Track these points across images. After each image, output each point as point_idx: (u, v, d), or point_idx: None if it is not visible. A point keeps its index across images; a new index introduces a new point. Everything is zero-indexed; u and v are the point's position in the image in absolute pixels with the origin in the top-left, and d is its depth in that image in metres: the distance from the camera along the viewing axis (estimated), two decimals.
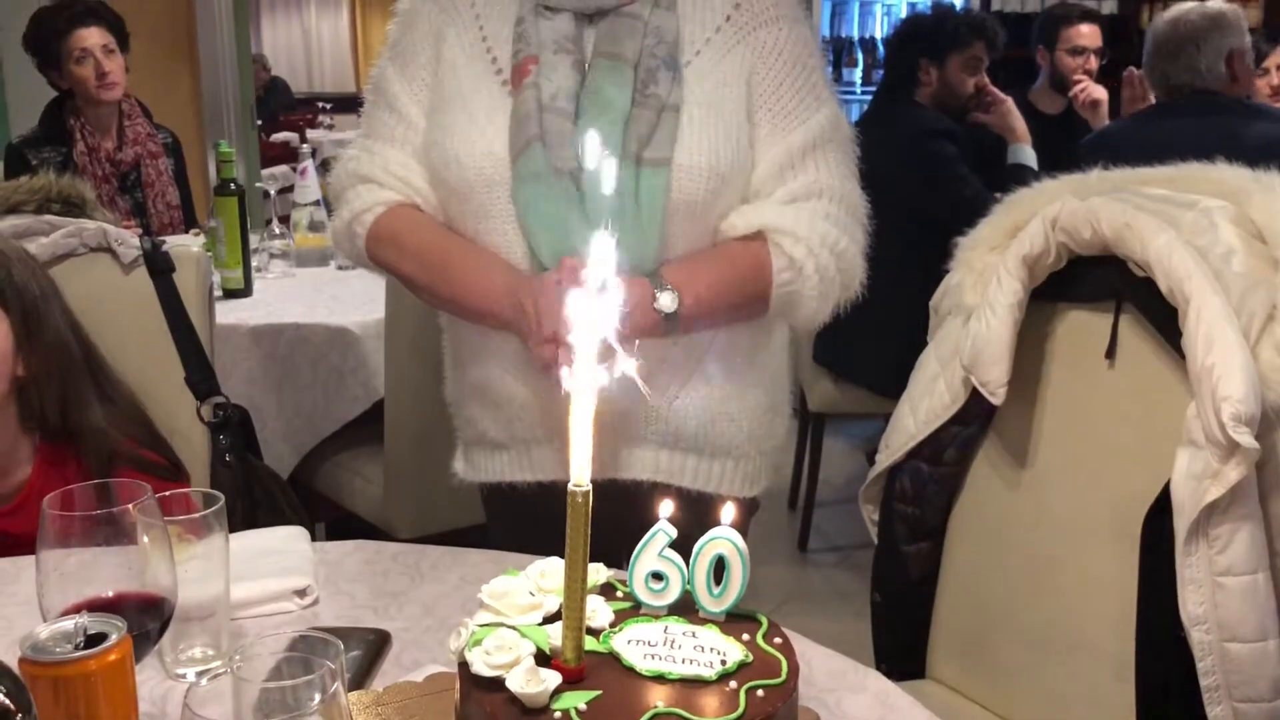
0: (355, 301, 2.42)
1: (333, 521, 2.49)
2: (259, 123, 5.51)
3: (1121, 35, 5.03)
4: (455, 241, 1.38)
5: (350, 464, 2.41)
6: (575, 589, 0.77)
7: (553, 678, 0.76)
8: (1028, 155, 3.12)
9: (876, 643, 1.53)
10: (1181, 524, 1.13)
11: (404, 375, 2.16)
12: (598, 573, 0.90)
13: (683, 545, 0.86)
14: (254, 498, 1.66)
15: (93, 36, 2.96)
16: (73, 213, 1.70)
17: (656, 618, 0.86)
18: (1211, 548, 1.13)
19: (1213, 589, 1.13)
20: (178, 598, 0.90)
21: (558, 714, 0.74)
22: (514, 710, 0.75)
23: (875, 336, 2.57)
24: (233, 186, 2.49)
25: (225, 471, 1.64)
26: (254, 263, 2.61)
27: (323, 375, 2.31)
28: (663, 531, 0.85)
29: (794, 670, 0.81)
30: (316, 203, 2.85)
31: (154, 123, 3.19)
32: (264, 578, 1.13)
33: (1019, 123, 3.15)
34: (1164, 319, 1.20)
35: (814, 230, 1.33)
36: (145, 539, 0.88)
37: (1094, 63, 3.55)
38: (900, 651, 1.51)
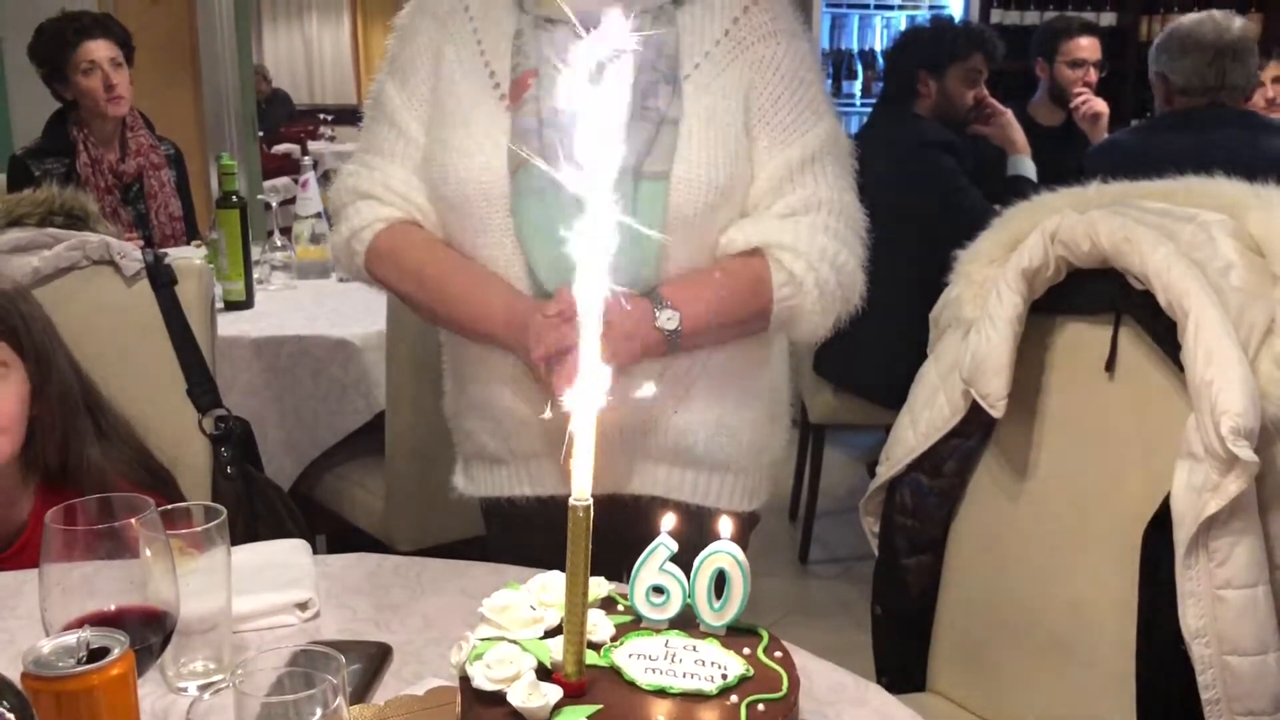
0: (356, 313, 2.42)
1: (333, 533, 2.50)
2: (260, 134, 5.53)
3: (1119, 48, 5.05)
4: (454, 259, 1.38)
5: (351, 476, 2.41)
6: (576, 603, 0.77)
7: (554, 692, 0.76)
8: (1027, 167, 3.13)
9: (877, 655, 1.54)
10: (1181, 537, 1.13)
11: (405, 387, 2.17)
12: (598, 586, 0.90)
13: (683, 559, 0.87)
14: (255, 510, 1.66)
15: (101, 49, 2.97)
16: (76, 225, 1.71)
17: (657, 631, 0.86)
18: (1211, 561, 1.13)
19: (1213, 602, 1.13)
20: (180, 611, 0.90)
21: None
22: None
23: (875, 348, 2.57)
24: (234, 199, 2.49)
25: (226, 484, 1.64)
26: (255, 274, 2.62)
27: (324, 387, 2.31)
28: (664, 545, 0.85)
29: (794, 684, 0.81)
30: (318, 215, 2.86)
31: (156, 134, 3.20)
32: (265, 591, 1.13)
33: (1018, 134, 3.16)
34: (1163, 332, 1.20)
35: (813, 244, 1.33)
36: (147, 552, 0.88)
37: (1093, 75, 3.56)
38: (901, 664, 1.51)
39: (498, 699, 0.76)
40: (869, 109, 4.52)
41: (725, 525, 0.86)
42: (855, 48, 5.03)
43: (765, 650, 0.85)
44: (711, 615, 0.86)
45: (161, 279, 1.65)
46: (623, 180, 1.29)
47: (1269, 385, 1.11)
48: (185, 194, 3.21)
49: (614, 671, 0.81)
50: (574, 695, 0.77)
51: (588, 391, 0.75)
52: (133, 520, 0.87)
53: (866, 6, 4.92)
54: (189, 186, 3.26)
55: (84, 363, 1.47)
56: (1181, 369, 1.15)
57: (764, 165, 1.36)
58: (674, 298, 1.30)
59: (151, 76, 3.45)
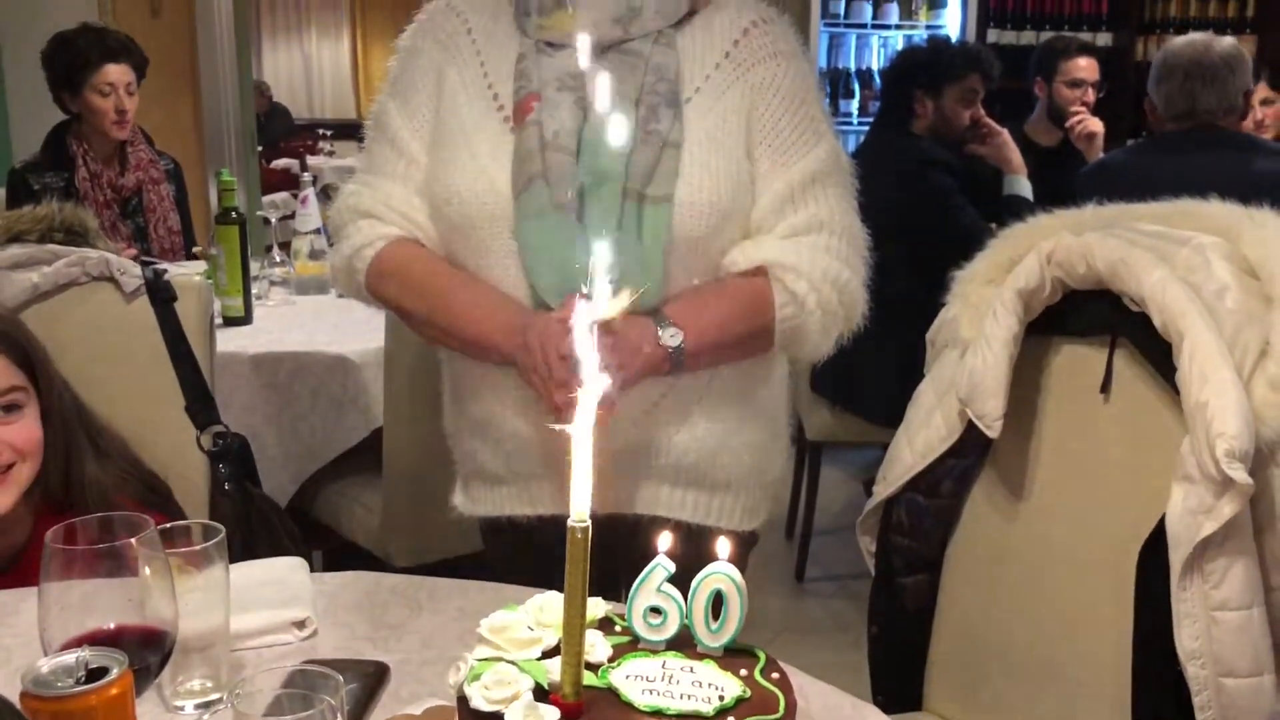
0: (355, 330, 2.42)
1: (330, 549, 2.49)
2: (259, 148, 5.54)
3: (1116, 68, 5.08)
4: (456, 276, 1.39)
5: (348, 492, 2.41)
6: (574, 624, 0.77)
7: (551, 713, 0.76)
8: (1023, 186, 3.14)
9: (873, 674, 1.53)
10: (1176, 558, 1.14)
11: (403, 404, 2.17)
12: (596, 607, 0.90)
13: (682, 579, 0.87)
14: (252, 527, 1.66)
15: (120, 74, 2.99)
16: (75, 241, 1.71)
17: (655, 652, 0.86)
18: (1206, 582, 1.13)
19: (1208, 623, 1.13)
20: (178, 630, 0.90)
21: None
22: None
23: (873, 366, 2.58)
24: (234, 215, 2.50)
25: (224, 500, 1.65)
26: (254, 290, 2.62)
27: (322, 403, 2.31)
28: (661, 566, 0.85)
29: (791, 706, 0.81)
30: (317, 231, 2.86)
31: (155, 149, 3.21)
32: (263, 609, 1.13)
33: (1015, 154, 3.18)
34: (1158, 354, 1.21)
35: (815, 264, 1.34)
36: (147, 571, 0.89)
37: (1091, 95, 3.59)
38: (897, 683, 1.51)
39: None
40: (866, 128, 4.54)
41: (723, 546, 0.86)
42: (852, 67, 5.06)
43: (762, 671, 0.85)
44: (709, 636, 0.86)
45: (161, 295, 1.65)
46: (627, 204, 1.30)
47: (1263, 408, 1.12)
48: (184, 208, 3.22)
49: (611, 693, 0.81)
50: (571, 716, 0.77)
51: (587, 412, 0.75)
52: (132, 540, 0.87)
53: (864, 26, 4.95)
54: (188, 201, 3.27)
55: (82, 379, 1.48)
56: (1177, 391, 1.16)
57: (766, 186, 1.37)
58: (677, 316, 1.31)
59: (152, 90, 3.46)
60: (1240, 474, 1.07)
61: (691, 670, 0.84)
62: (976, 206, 3.00)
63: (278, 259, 2.87)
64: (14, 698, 0.75)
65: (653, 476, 1.42)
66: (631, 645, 0.87)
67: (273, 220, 3.20)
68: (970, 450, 1.40)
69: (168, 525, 0.96)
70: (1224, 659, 1.13)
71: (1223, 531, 1.11)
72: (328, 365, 2.31)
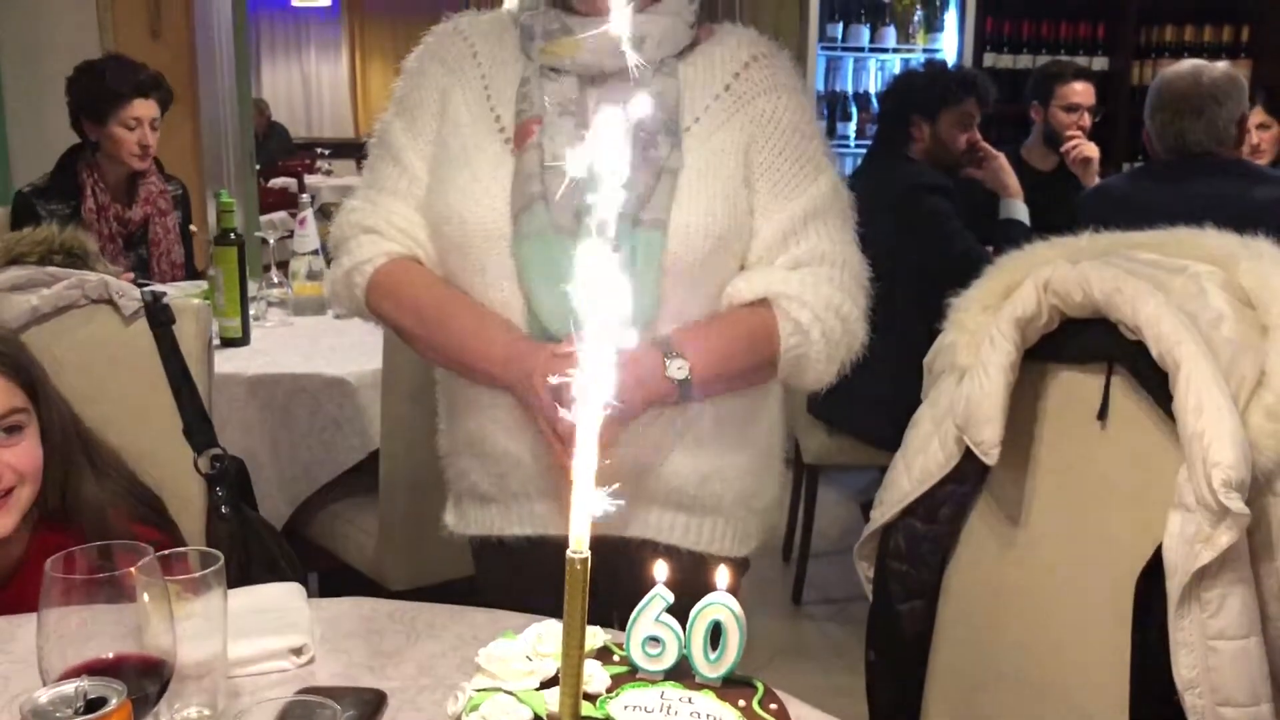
0: (352, 351, 2.43)
1: (326, 572, 2.49)
2: (257, 167, 5.55)
3: (1112, 93, 5.11)
4: (455, 297, 1.39)
5: (345, 514, 2.40)
6: (573, 655, 0.77)
7: None
8: (1020, 210, 3.16)
9: (871, 701, 1.53)
10: (1174, 587, 1.14)
11: (400, 426, 2.17)
12: (594, 636, 0.90)
13: (674, 603, 0.87)
14: (249, 550, 1.66)
15: (149, 109, 3.00)
16: (75, 264, 1.72)
17: (653, 683, 0.86)
18: (1204, 612, 1.13)
19: (1205, 653, 1.13)
20: (176, 659, 0.90)
21: None
22: None
23: (869, 390, 2.58)
24: (233, 236, 2.50)
25: (221, 524, 1.64)
26: (252, 311, 2.63)
27: (319, 425, 2.31)
28: (660, 597, 0.85)
29: None
30: (315, 252, 2.87)
31: (165, 174, 3.21)
32: (260, 636, 1.13)
33: (1011, 178, 3.19)
34: (1155, 382, 1.21)
35: (819, 295, 1.35)
36: (146, 598, 0.88)
37: (1088, 120, 3.61)
38: (895, 710, 1.51)
39: None
40: (863, 150, 4.56)
41: (722, 576, 0.86)
42: (850, 90, 5.08)
43: (760, 702, 0.85)
44: (707, 667, 0.86)
45: (160, 318, 1.66)
46: (621, 228, 1.30)
47: (1259, 437, 1.12)
48: (188, 235, 3.22)
49: None
50: None
51: (587, 440, 0.75)
52: (132, 569, 0.87)
53: (861, 50, 4.97)
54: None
55: (81, 401, 1.48)
56: (1173, 419, 1.16)
57: (767, 219, 1.38)
58: (684, 347, 1.31)
59: None
60: (1237, 504, 1.07)
61: (690, 701, 0.84)
62: (973, 230, 3.01)
63: (275, 280, 2.87)
64: None
65: (644, 500, 1.42)
66: (630, 675, 0.87)
67: (271, 241, 3.20)
68: (968, 477, 1.40)
69: (166, 553, 0.96)
70: (1221, 688, 1.13)
71: (1219, 560, 1.11)
72: (325, 387, 2.31)
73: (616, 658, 0.90)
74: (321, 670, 1.14)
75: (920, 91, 3.09)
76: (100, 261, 1.77)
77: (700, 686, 0.86)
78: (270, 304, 2.82)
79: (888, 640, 1.51)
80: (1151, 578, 1.18)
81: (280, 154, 8.56)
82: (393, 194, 1.43)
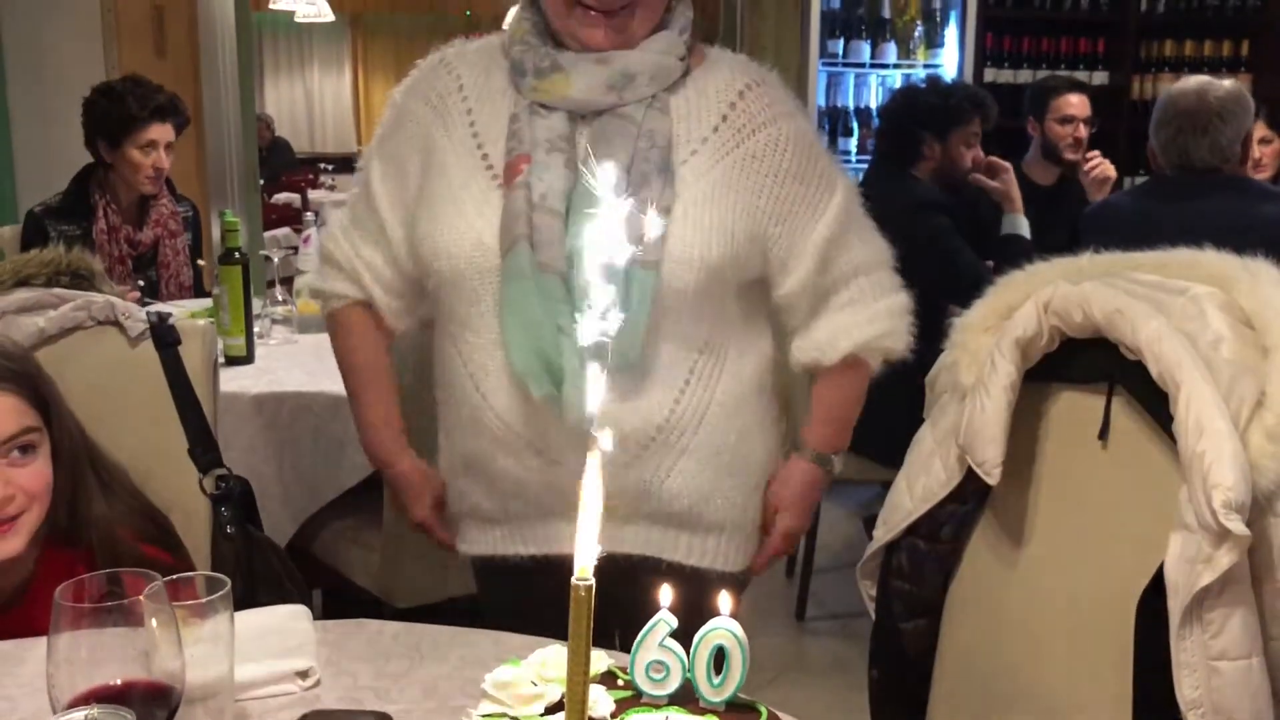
0: None
1: (330, 589, 2.49)
2: (261, 182, 5.57)
3: (1112, 107, 5.12)
4: (366, 373, 1.59)
5: (348, 532, 2.41)
6: (577, 681, 0.78)
7: None
8: (1022, 225, 3.17)
9: (874, 718, 1.53)
10: (1175, 607, 1.14)
11: None
12: (599, 660, 0.91)
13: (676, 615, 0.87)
14: (254, 569, 1.67)
15: (165, 133, 3.02)
16: (81, 285, 1.73)
17: (657, 707, 0.87)
18: (1206, 632, 1.13)
19: (1208, 673, 1.13)
20: (185, 684, 0.91)
21: None
22: None
23: (871, 405, 2.58)
24: (237, 255, 2.51)
25: (226, 544, 1.65)
26: (256, 328, 2.63)
27: (323, 443, 2.32)
28: (664, 621, 0.86)
29: None
30: None
31: (176, 195, 3.22)
32: (266, 659, 1.13)
33: (1017, 193, 3.20)
34: (1156, 402, 1.22)
35: (879, 315, 1.48)
36: (154, 624, 0.89)
37: (1083, 131, 3.63)
38: None
39: None
40: (864, 165, 4.58)
41: (725, 601, 0.87)
42: (851, 105, 5.10)
43: None
44: (711, 691, 0.86)
45: (165, 339, 1.67)
46: (612, 267, 1.31)
47: (1259, 458, 1.13)
48: (198, 255, 3.23)
49: None
50: None
51: (596, 470, 0.76)
52: (141, 597, 0.87)
53: (862, 65, 4.99)
54: (202, 248, 3.28)
55: (87, 422, 1.48)
56: (1174, 439, 1.17)
57: (795, 250, 1.42)
58: (832, 445, 1.57)
59: None
60: (1237, 525, 1.08)
61: None
62: (975, 246, 3.02)
63: (280, 298, 2.88)
64: None
65: (644, 518, 1.43)
66: (634, 700, 0.88)
67: (275, 260, 3.22)
68: (970, 496, 1.41)
69: (174, 578, 0.97)
70: (1224, 709, 1.13)
71: (1221, 581, 1.11)
72: (329, 405, 2.31)
73: (621, 682, 0.90)
74: (327, 693, 1.14)
75: (932, 111, 3.11)
76: (106, 283, 1.78)
77: (704, 711, 0.86)
78: (274, 321, 2.83)
79: (891, 659, 1.51)
80: (1153, 597, 1.18)
81: (283, 169, 8.59)
82: (364, 233, 1.50)
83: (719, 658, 0.86)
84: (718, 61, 1.44)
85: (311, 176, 8.71)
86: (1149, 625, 1.19)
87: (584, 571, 0.76)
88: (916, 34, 4.97)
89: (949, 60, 5.00)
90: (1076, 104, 3.63)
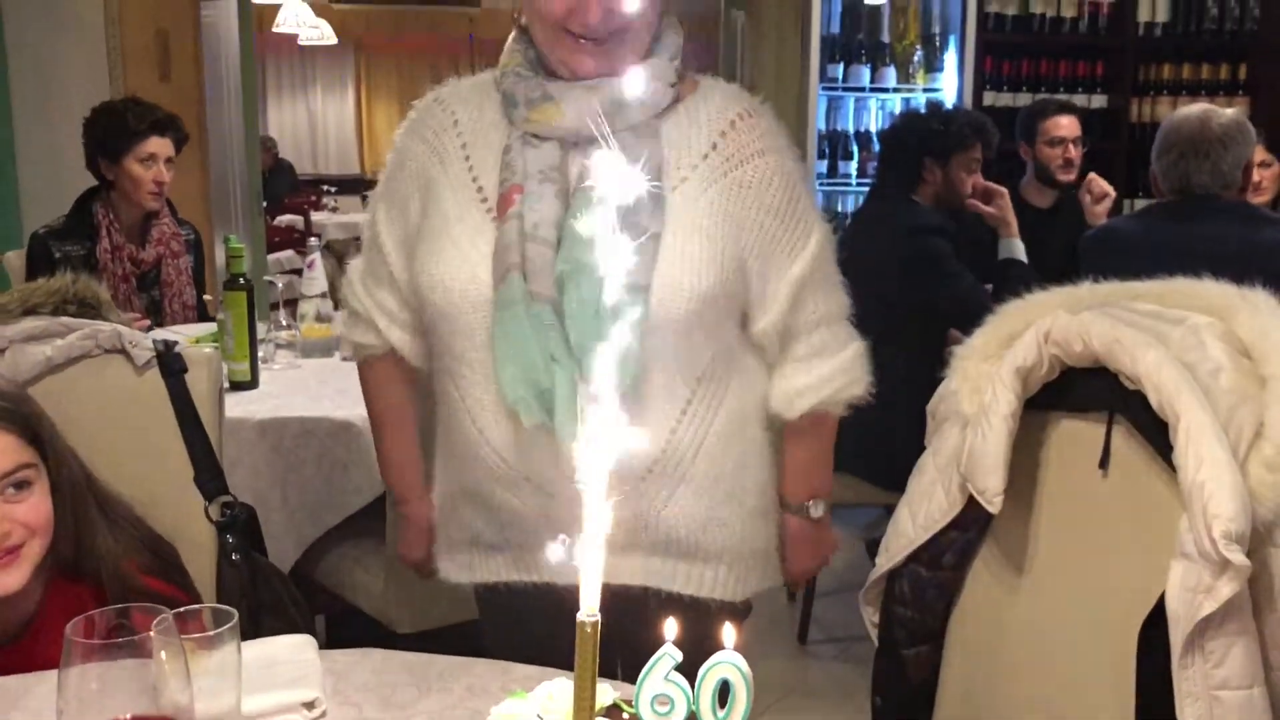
0: (360, 394, 2.41)
1: (333, 614, 2.49)
2: (264, 204, 5.60)
3: (1111, 130, 5.15)
4: (389, 416, 1.64)
5: (351, 556, 2.41)
6: (584, 714, 0.78)
7: None
8: (1017, 249, 3.19)
9: None
10: (1177, 636, 1.15)
11: None
12: (604, 693, 0.91)
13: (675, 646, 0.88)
14: (259, 596, 1.68)
15: (163, 146, 3.05)
16: (88, 314, 1.74)
17: None
18: (1207, 661, 1.14)
19: (1210, 703, 1.14)
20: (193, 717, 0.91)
21: None
22: None
23: (871, 431, 2.59)
24: (242, 281, 2.53)
25: (231, 570, 1.66)
26: (260, 353, 2.64)
27: (326, 468, 2.32)
28: (668, 655, 0.87)
29: None
30: (323, 295, 2.90)
31: (178, 218, 3.24)
32: (273, 690, 1.14)
33: (1013, 217, 3.22)
34: (1155, 431, 1.23)
35: (841, 364, 1.51)
36: (163, 657, 0.90)
37: (1073, 151, 3.66)
38: None
39: None
40: (864, 188, 4.60)
41: (729, 634, 0.88)
42: (851, 129, 5.12)
43: None
44: None
45: (172, 367, 1.68)
46: (604, 293, 1.32)
47: (1259, 488, 1.13)
48: (200, 280, 3.25)
49: None
50: None
51: (596, 512, 0.77)
52: (151, 632, 0.88)
53: (862, 89, 5.02)
54: (204, 271, 3.31)
55: (94, 450, 1.50)
56: (1174, 468, 1.18)
57: (772, 281, 1.43)
58: (811, 492, 1.57)
59: None
60: (1238, 555, 1.08)
61: None
62: (975, 269, 3.04)
63: (284, 323, 2.89)
64: None
65: (642, 548, 1.43)
66: None
67: (279, 285, 3.23)
68: (971, 523, 1.42)
69: (181, 610, 0.97)
70: None
71: (1222, 611, 1.12)
72: (333, 430, 2.32)
73: (626, 715, 0.91)
74: None
75: (933, 136, 3.13)
76: (113, 311, 1.79)
77: None
78: (279, 346, 2.84)
79: (894, 685, 1.51)
80: (1155, 626, 1.19)
81: (286, 191, 8.62)
82: (378, 280, 1.54)
83: (724, 690, 0.87)
84: (710, 90, 1.45)
85: (314, 198, 8.74)
86: (1151, 654, 1.20)
87: (589, 608, 0.77)
88: (916, 58, 5.00)
89: (948, 84, 5.03)
90: (1065, 125, 3.67)
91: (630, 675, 0.89)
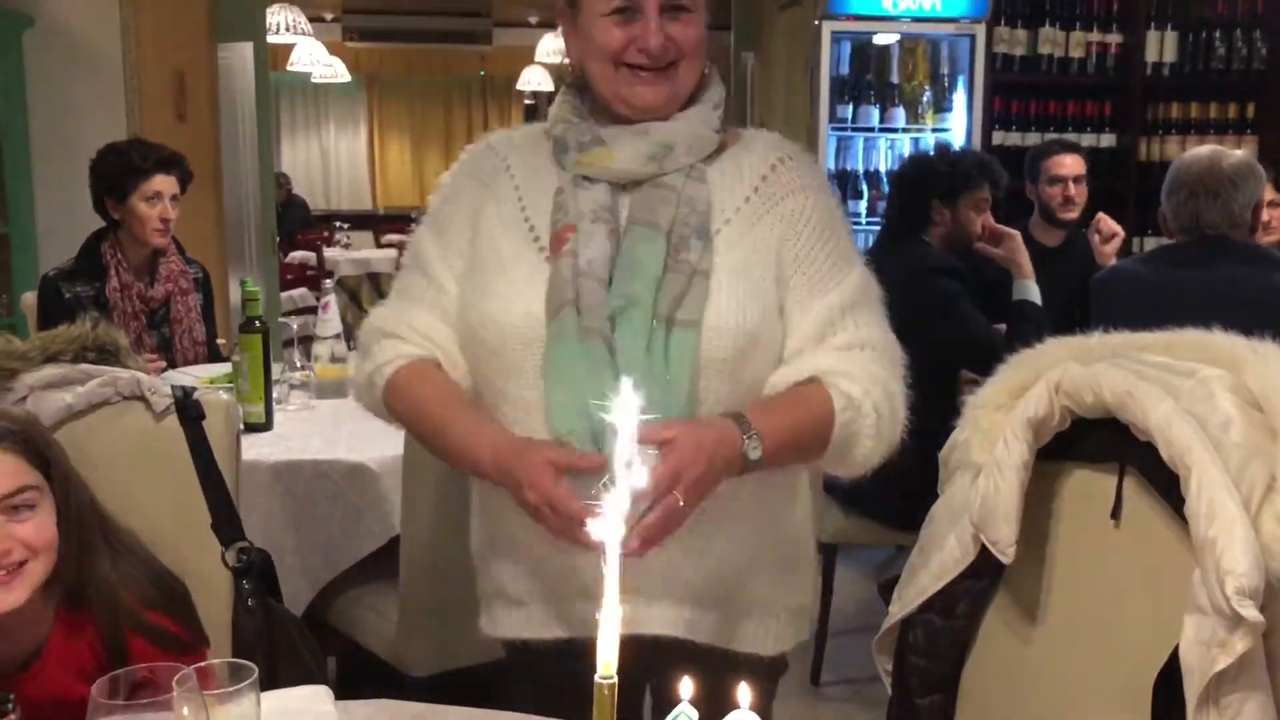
0: (374, 437, 2.45)
1: (345, 657, 2.49)
2: (277, 239, 5.64)
3: (1121, 169, 5.17)
4: (456, 400, 1.43)
5: (363, 599, 2.42)
6: None
7: None
8: (1031, 291, 3.18)
9: None
10: (1191, 690, 1.14)
11: (421, 512, 2.19)
12: None
13: (707, 701, 0.88)
14: (274, 642, 1.68)
15: (168, 184, 3.10)
16: (107, 360, 1.75)
17: None
18: (1222, 716, 1.14)
19: None
20: None
21: None
22: None
23: (885, 472, 2.59)
24: (257, 324, 2.55)
25: (247, 616, 1.66)
26: (275, 394, 2.66)
27: (340, 511, 2.34)
28: (684, 715, 0.87)
29: None
30: (337, 335, 2.92)
31: (186, 257, 3.28)
32: None
33: (1025, 258, 3.22)
34: (1167, 483, 1.23)
35: (865, 371, 1.39)
36: (185, 713, 0.91)
37: (1074, 189, 3.68)
38: None
39: None
40: (874, 227, 4.62)
41: (744, 694, 0.88)
42: (860, 169, 5.15)
43: None
44: None
45: (190, 414, 1.69)
46: (655, 328, 1.35)
47: (1272, 542, 1.13)
48: (210, 318, 3.28)
49: None
50: None
51: (613, 561, 0.78)
52: (174, 693, 0.89)
53: (871, 130, 5.05)
54: (214, 310, 3.34)
55: (112, 496, 1.51)
56: (1186, 520, 1.18)
57: (803, 312, 1.41)
58: (759, 425, 1.33)
59: None
60: (1251, 612, 1.08)
61: None
62: (986, 309, 3.05)
63: (299, 364, 2.91)
64: None
65: (672, 597, 1.43)
66: None
67: (294, 326, 3.26)
68: (985, 573, 1.42)
69: (202, 664, 0.98)
70: None
71: (1237, 665, 1.11)
72: (347, 473, 2.34)
73: None
74: None
75: (940, 177, 3.15)
76: (132, 357, 1.80)
77: None
78: (293, 386, 2.86)
79: None
80: (1169, 678, 1.19)
81: (299, 227, 8.68)
82: (417, 302, 1.49)
83: None
84: (753, 139, 1.50)
85: (326, 234, 8.79)
86: (1165, 706, 1.20)
87: (607, 668, 0.78)
88: (925, 99, 5.04)
89: (957, 124, 5.06)
90: (1067, 164, 3.70)
91: None
